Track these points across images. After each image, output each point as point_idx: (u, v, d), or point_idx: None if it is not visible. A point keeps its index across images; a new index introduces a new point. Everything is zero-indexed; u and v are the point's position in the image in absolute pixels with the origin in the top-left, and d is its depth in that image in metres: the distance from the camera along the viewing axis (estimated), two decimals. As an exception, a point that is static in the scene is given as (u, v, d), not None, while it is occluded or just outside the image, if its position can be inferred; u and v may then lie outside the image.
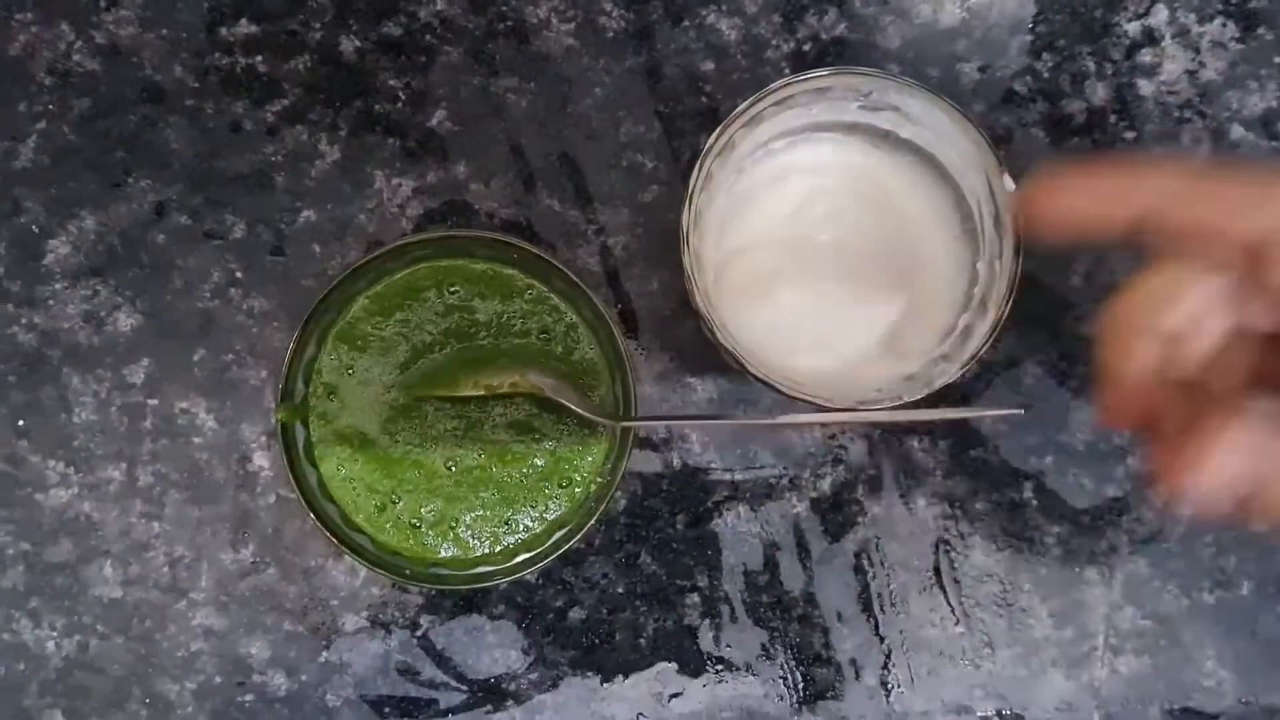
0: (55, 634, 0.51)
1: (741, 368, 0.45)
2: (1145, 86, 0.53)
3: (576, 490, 0.47)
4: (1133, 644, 0.51)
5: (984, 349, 0.45)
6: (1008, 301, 0.45)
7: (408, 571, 0.45)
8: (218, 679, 0.51)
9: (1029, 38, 0.53)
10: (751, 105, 0.45)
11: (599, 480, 0.46)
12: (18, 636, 0.50)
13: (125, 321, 0.51)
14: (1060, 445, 0.52)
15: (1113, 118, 0.53)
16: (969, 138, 0.45)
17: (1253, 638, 0.51)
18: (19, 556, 0.51)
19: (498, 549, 0.47)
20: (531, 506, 0.47)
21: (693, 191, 0.45)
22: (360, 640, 0.51)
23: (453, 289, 0.48)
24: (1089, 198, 0.35)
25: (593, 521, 0.45)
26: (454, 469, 0.47)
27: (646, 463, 0.51)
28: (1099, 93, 0.53)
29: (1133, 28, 0.53)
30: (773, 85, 0.45)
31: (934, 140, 0.47)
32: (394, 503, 0.47)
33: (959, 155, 0.46)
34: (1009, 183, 0.44)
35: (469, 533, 0.47)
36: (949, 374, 0.45)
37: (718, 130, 0.45)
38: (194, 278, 0.51)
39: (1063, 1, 0.53)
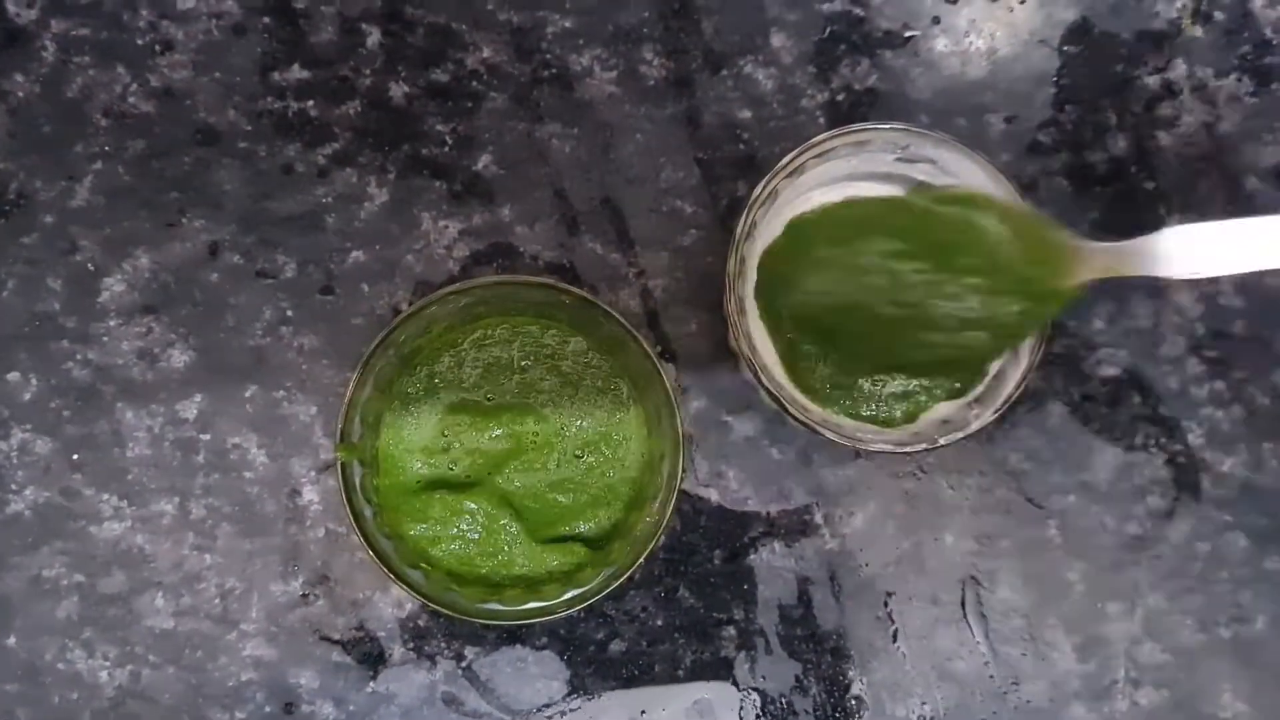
0: (108, 664, 0.52)
1: (783, 410, 0.47)
2: (1164, 138, 0.55)
3: (627, 519, 0.49)
4: (1152, 677, 0.53)
5: (1016, 394, 0.47)
6: (1039, 350, 0.47)
7: (461, 606, 0.46)
8: (267, 708, 0.52)
9: (1053, 90, 0.55)
10: (795, 157, 0.47)
11: (647, 519, 0.48)
12: (71, 666, 0.52)
13: (178, 358, 0.53)
14: (1083, 485, 0.54)
15: (1133, 168, 0.55)
16: (1002, 190, 0.47)
17: (1267, 671, 0.53)
18: (73, 588, 0.52)
19: (549, 583, 0.48)
20: (583, 543, 0.49)
21: (738, 239, 0.47)
22: (406, 671, 0.52)
23: (508, 338, 0.50)
24: None
25: (639, 562, 0.46)
26: (514, 502, 0.49)
27: (685, 499, 0.53)
28: (1120, 144, 0.55)
29: (1152, 81, 0.55)
30: (816, 138, 0.47)
31: None
32: (453, 533, 0.49)
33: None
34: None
35: (523, 566, 0.49)
36: (984, 418, 0.47)
37: (763, 181, 0.47)
38: (246, 316, 0.53)
39: (1085, 56, 0.55)
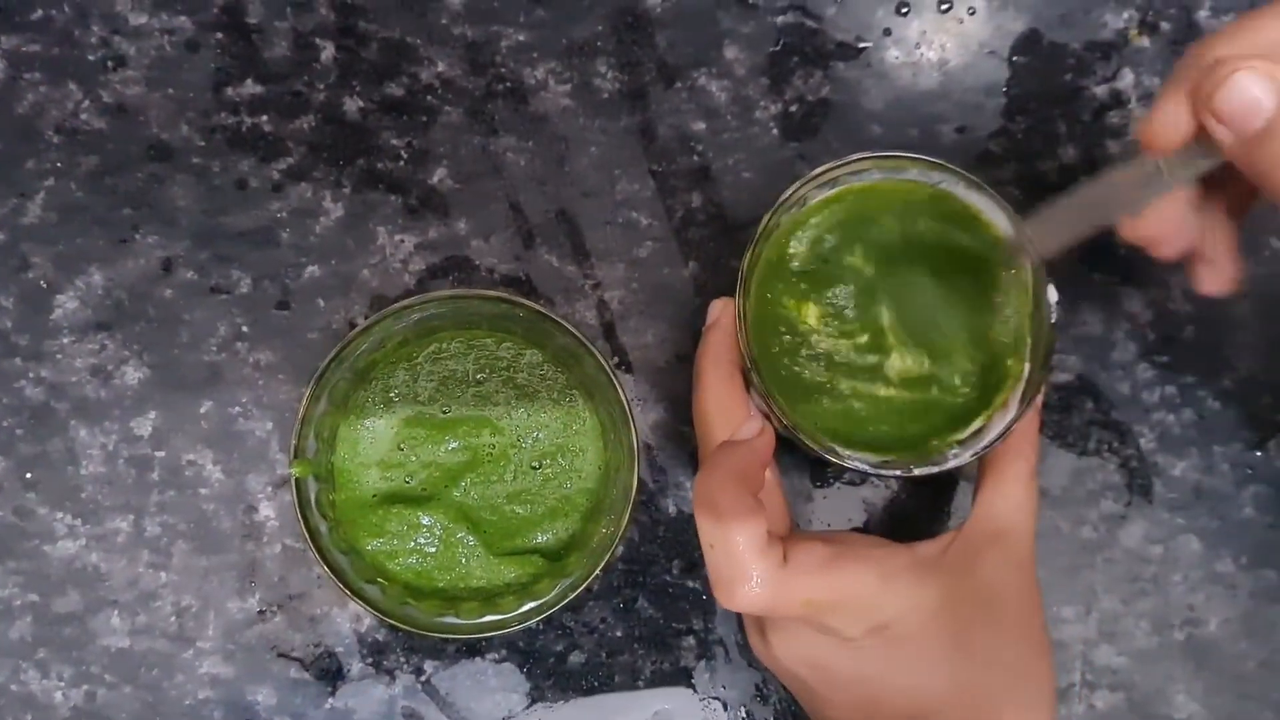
0: (63, 684, 0.51)
1: (776, 421, 0.47)
2: (1113, 146, 0.56)
3: (585, 530, 0.50)
4: (1108, 680, 0.54)
5: (997, 442, 0.47)
6: (1027, 405, 0.47)
7: (418, 621, 0.47)
8: (225, 726, 0.52)
9: (1003, 100, 0.55)
10: (831, 169, 0.47)
11: (604, 530, 0.48)
12: (25, 687, 0.51)
13: (132, 375, 0.52)
14: (1039, 490, 0.54)
15: (1082, 177, 0.55)
16: (1025, 246, 0.47)
17: (1219, 672, 0.54)
18: (27, 607, 0.51)
19: (506, 595, 0.49)
20: (540, 555, 0.50)
21: (758, 237, 0.47)
22: (365, 686, 0.52)
23: (463, 351, 0.50)
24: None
25: (596, 573, 0.46)
26: (471, 515, 0.49)
27: (643, 510, 0.53)
28: (1069, 152, 0.55)
29: (1100, 91, 0.56)
30: (853, 156, 0.47)
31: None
32: (409, 547, 0.49)
33: None
34: (1053, 293, 0.46)
35: (481, 578, 0.49)
36: (962, 458, 0.47)
37: (795, 185, 0.47)
38: (201, 332, 0.53)
39: (1034, 66, 0.56)
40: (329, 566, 0.46)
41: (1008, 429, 0.47)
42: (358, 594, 0.46)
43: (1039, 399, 0.47)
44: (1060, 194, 0.45)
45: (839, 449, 0.47)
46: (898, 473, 0.48)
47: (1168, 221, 0.44)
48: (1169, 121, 0.40)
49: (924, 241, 0.50)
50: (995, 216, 0.48)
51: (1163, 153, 0.41)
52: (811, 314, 0.49)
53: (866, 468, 0.47)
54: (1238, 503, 0.55)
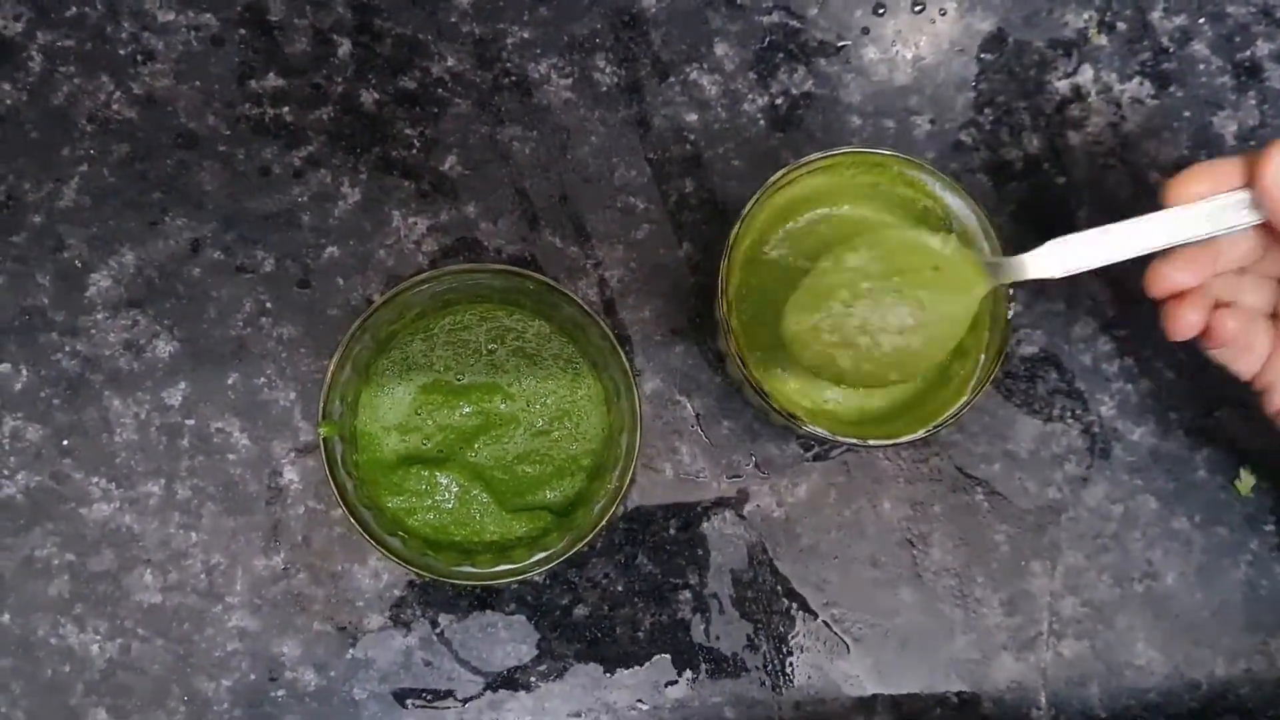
0: (99, 637, 0.54)
1: (750, 386, 0.50)
2: (1074, 137, 0.60)
3: (590, 488, 0.53)
4: (1073, 629, 0.58)
5: (950, 420, 0.51)
6: (980, 390, 0.51)
7: (438, 569, 0.50)
8: (252, 677, 0.55)
9: (972, 94, 0.60)
10: (817, 159, 0.51)
11: (608, 487, 0.52)
12: (64, 640, 0.54)
13: (163, 348, 0.56)
14: (1007, 453, 0.58)
15: (1046, 165, 0.60)
16: (990, 246, 0.51)
17: (1176, 621, 0.58)
18: (64, 566, 0.55)
19: (518, 548, 0.52)
20: (549, 511, 0.53)
21: (745, 215, 0.50)
22: (384, 638, 0.55)
23: (478, 321, 0.54)
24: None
25: (601, 525, 0.50)
26: (483, 475, 0.53)
27: (642, 473, 0.57)
28: (1034, 143, 0.60)
29: (1063, 85, 0.60)
30: (840, 148, 0.51)
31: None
32: (428, 504, 0.52)
33: (978, 254, 0.53)
34: (1011, 293, 0.51)
35: (494, 533, 0.53)
36: (915, 433, 0.51)
37: (781, 171, 0.50)
38: (227, 308, 0.56)
39: (1001, 62, 0.60)
40: (355, 520, 0.49)
41: (960, 411, 0.51)
42: (382, 545, 0.49)
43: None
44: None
45: (800, 417, 0.51)
46: (855, 441, 0.51)
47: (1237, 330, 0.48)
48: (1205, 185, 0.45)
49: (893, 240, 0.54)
50: (965, 215, 0.52)
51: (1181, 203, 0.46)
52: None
53: (825, 434, 0.51)
54: (1191, 465, 0.59)
